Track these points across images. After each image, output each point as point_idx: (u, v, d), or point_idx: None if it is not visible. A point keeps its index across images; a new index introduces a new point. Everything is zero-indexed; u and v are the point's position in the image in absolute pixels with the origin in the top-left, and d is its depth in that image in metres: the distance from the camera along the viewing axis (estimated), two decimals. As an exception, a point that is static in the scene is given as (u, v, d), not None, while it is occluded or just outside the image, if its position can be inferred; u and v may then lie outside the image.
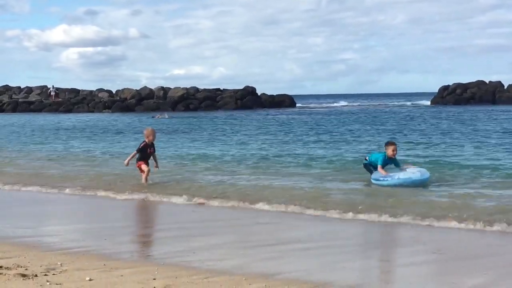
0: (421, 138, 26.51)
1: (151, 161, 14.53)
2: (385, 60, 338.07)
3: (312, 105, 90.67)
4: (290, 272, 6.87)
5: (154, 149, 14.62)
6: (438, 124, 36.96)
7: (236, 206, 11.64)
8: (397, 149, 14.01)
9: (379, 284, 6.67)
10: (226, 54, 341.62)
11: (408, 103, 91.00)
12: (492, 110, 54.49)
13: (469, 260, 7.57)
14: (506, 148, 21.22)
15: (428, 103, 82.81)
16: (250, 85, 75.76)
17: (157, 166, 14.66)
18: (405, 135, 29.01)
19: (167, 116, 52.28)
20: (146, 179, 14.15)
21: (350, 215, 10.53)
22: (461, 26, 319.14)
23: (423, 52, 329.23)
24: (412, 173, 13.28)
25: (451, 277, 6.73)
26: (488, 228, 9.44)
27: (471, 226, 9.56)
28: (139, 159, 14.38)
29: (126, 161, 14.42)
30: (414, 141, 25.02)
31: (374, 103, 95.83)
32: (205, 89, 75.20)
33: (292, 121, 44.24)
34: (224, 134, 31.48)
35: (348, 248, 8.33)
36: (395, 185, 13.00)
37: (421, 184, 13.12)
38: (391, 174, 13.33)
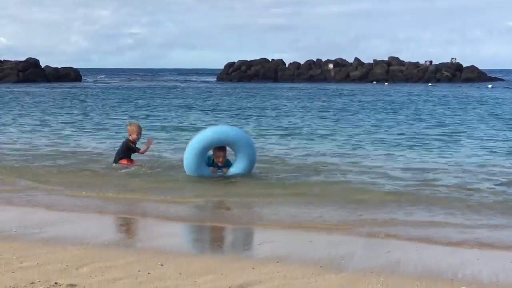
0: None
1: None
2: (172, 35, 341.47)
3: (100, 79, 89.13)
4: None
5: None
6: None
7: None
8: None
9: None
10: (6, 24, 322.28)
11: (195, 79, 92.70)
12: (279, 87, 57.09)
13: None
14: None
15: (214, 79, 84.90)
16: (33, 57, 72.47)
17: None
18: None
19: None
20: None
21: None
22: (246, 4, 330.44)
23: (209, 29, 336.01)
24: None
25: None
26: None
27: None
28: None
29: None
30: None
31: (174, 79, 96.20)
32: (-18, 60, 70.71)
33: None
34: None
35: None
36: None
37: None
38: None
